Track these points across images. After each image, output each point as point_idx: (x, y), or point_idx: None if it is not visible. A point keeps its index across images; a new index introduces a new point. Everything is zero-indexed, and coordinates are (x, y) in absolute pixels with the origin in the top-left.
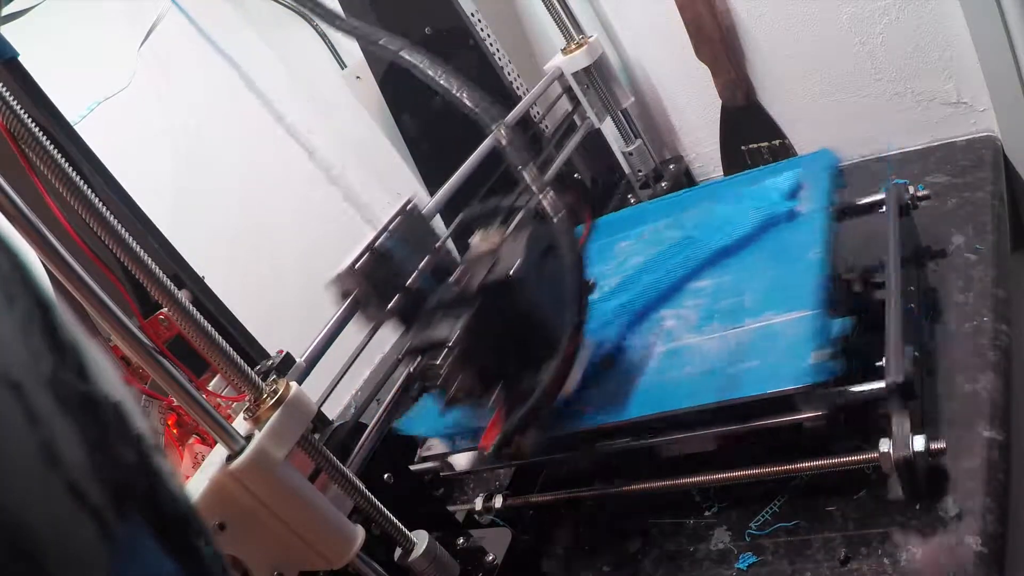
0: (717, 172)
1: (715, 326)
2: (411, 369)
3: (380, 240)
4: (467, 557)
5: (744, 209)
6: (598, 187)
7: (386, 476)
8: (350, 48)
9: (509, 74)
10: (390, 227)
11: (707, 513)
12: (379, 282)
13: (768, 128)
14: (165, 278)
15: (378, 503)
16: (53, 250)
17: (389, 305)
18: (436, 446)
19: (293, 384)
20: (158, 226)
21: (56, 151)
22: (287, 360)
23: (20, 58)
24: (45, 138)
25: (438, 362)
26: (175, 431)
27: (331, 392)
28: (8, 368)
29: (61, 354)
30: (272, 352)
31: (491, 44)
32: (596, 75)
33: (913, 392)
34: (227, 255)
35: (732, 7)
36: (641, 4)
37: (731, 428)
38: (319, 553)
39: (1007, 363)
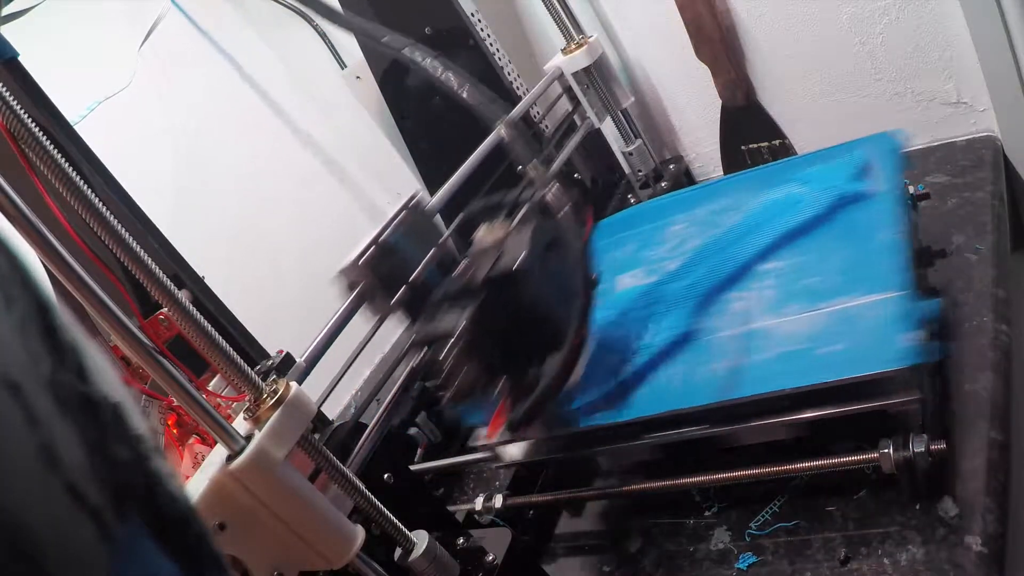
0: (717, 172)
1: (793, 308)
2: (414, 364)
3: (385, 234)
4: (467, 557)
5: (812, 189)
6: (598, 187)
7: (386, 476)
8: (350, 48)
9: (509, 74)
10: (395, 222)
11: (707, 513)
12: (385, 275)
13: (768, 128)
14: (165, 278)
15: (378, 503)
16: (53, 250)
17: (394, 298)
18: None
19: (293, 384)
20: (158, 226)
21: (56, 151)
22: (287, 360)
23: (20, 58)
24: (45, 138)
25: (441, 358)
26: (175, 431)
27: (331, 392)
28: (7, 369)
29: (60, 355)
30: (272, 352)
31: (491, 44)
32: (596, 75)
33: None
34: (227, 255)
35: (732, 7)
36: (641, 4)
37: (818, 414)
38: (319, 553)
39: (1007, 363)
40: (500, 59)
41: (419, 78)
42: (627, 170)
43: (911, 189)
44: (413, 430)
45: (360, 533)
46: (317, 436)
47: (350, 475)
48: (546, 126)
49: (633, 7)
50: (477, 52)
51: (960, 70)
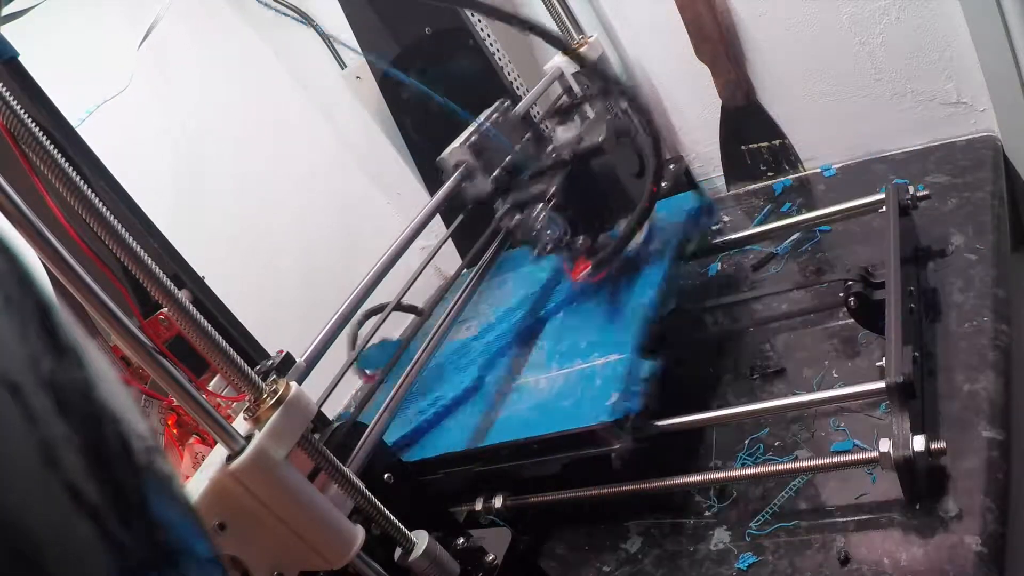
0: (717, 172)
1: (552, 366)
2: (510, 224)
3: (483, 126)
4: (467, 557)
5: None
6: None
7: (386, 476)
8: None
9: (509, 74)
10: (490, 118)
11: (707, 513)
12: (484, 158)
13: (768, 128)
14: (165, 278)
15: (378, 503)
16: (53, 250)
17: (492, 176)
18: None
19: (293, 384)
20: (158, 226)
21: (56, 151)
22: (287, 360)
23: (20, 58)
24: (45, 138)
25: (535, 214)
26: (175, 431)
27: (331, 392)
28: (7, 369)
29: (60, 355)
30: (272, 352)
31: (491, 44)
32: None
33: (913, 392)
34: (227, 255)
35: (732, 7)
36: (641, 4)
37: (556, 456)
38: (319, 553)
39: (1007, 363)
40: (500, 59)
41: (419, 78)
42: None
43: (911, 189)
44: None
45: (360, 533)
46: (317, 436)
47: (350, 475)
48: (546, 126)
49: (633, 7)
50: (477, 52)
51: (960, 70)
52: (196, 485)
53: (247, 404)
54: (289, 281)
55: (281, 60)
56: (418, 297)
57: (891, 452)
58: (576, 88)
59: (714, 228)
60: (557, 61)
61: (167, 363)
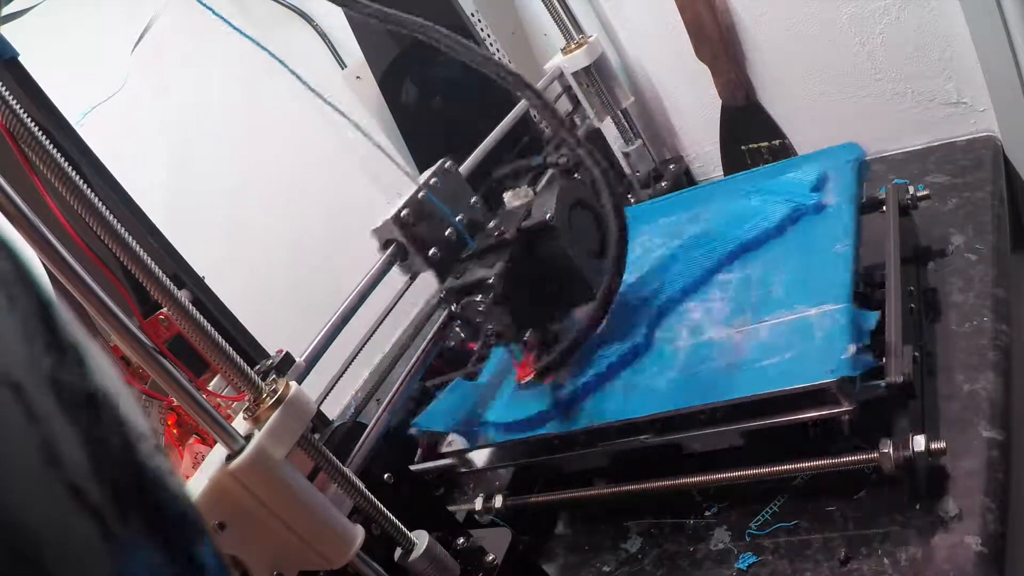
0: (717, 172)
1: (743, 319)
2: (453, 308)
3: (418, 195)
4: (467, 557)
5: (770, 201)
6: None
7: (386, 476)
8: (350, 48)
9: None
10: (428, 183)
11: (707, 513)
12: (419, 233)
13: (768, 128)
14: (165, 278)
15: (378, 503)
16: (53, 250)
17: (429, 253)
18: (456, 443)
19: (293, 384)
20: (158, 226)
21: (56, 151)
22: (287, 360)
23: (20, 58)
24: (45, 138)
25: (478, 299)
26: (175, 431)
27: (331, 392)
28: (8, 368)
29: (61, 354)
30: (272, 352)
31: (491, 44)
32: (596, 75)
33: (913, 392)
34: (227, 255)
35: (732, 7)
36: (641, 4)
37: (762, 423)
38: (319, 553)
39: (1007, 363)
40: (500, 59)
41: (419, 77)
42: (627, 170)
43: (911, 189)
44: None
45: (360, 533)
46: (317, 436)
47: (350, 475)
48: (546, 126)
49: (633, 7)
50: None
51: (960, 70)
52: (196, 485)
53: (247, 404)
54: (289, 281)
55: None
56: (418, 297)
57: (891, 452)
58: (576, 88)
59: None
60: (557, 61)
61: (167, 363)
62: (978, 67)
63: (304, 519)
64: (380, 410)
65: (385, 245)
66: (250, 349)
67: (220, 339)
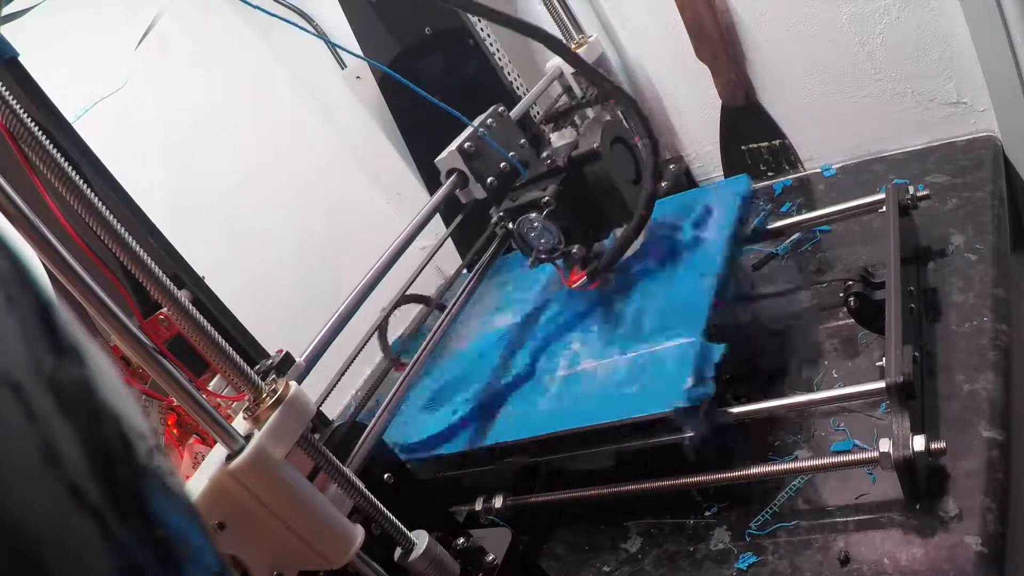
0: (717, 172)
1: (611, 351)
2: (509, 226)
3: (477, 132)
4: (467, 557)
5: (653, 235)
6: None
7: (386, 476)
8: (350, 48)
9: (509, 74)
10: (484, 123)
11: (707, 513)
12: (479, 164)
13: (768, 128)
14: (165, 278)
15: (378, 503)
16: (53, 250)
17: (486, 183)
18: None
19: (293, 384)
20: (158, 226)
21: (56, 151)
22: (287, 360)
23: (20, 58)
24: (45, 138)
25: (533, 216)
26: (175, 431)
27: (331, 392)
28: (8, 368)
29: (61, 354)
30: (272, 352)
31: (491, 44)
32: None
33: (913, 392)
34: (227, 255)
35: (732, 7)
36: (641, 4)
37: (617, 446)
38: (319, 553)
39: (1007, 363)
40: (500, 59)
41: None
42: None
43: (911, 189)
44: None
45: (360, 533)
46: (317, 436)
47: (350, 475)
48: (543, 130)
49: (633, 7)
50: (477, 52)
51: (960, 70)
52: (196, 485)
53: (247, 404)
54: (289, 281)
55: (281, 60)
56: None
57: (891, 452)
58: (576, 88)
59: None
60: (557, 61)
61: (167, 363)
62: (978, 67)
63: (304, 519)
64: (380, 410)
65: (448, 175)
66: (250, 349)
67: (220, 339)
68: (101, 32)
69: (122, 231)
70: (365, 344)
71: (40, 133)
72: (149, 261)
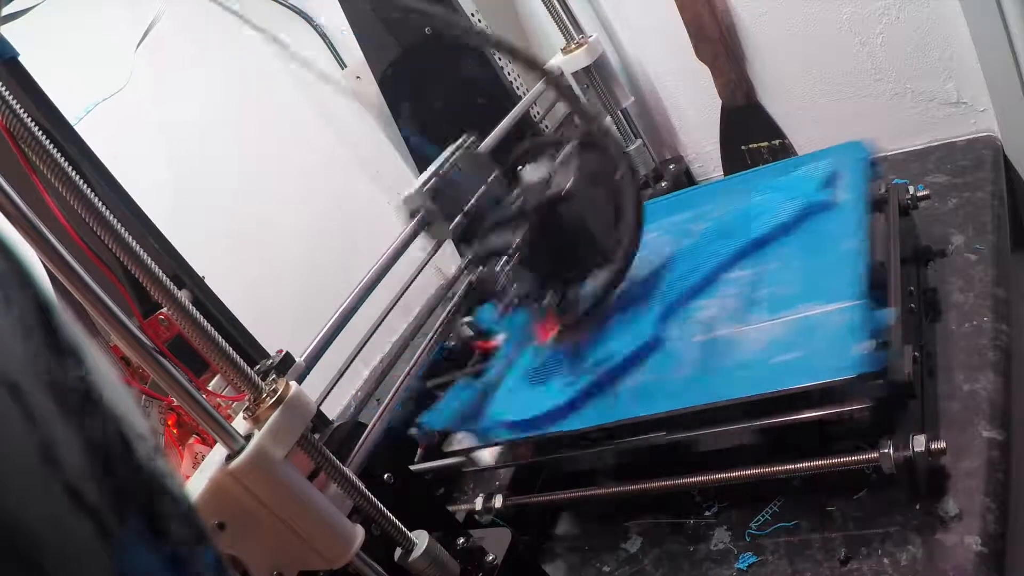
0: (717, 172)
1: (754, 317)
2: (472, 279)
3: (443, 168)
4: (467, 557)
5: (779, 199)
6: None
7: (386, 476)
8: (350, 48)
9: (509, 74)
10: (452, 157)
11: (707, 513)
12: (444, 203)
13: (768, 128)
14: (165, 278)
15: (378, 503)
16: (53, 250)
17: (452, 224)
18: (463, 440)
19: (293, 384)
20: (158, 226)
21: (56, 151)
22: (287, 360)
23: (20, 58)
24: (45, 138)
25: (498, 268)
26: (175, 431)
27: (331, 392)
28: (7, 369)
29: (60, 355)
30: (272, 352)
31: None
32: (596, 75)
33: (913, 392)
34: (227, 255)
35: (732, 7)
36: (641, 4)
37: (773, 421)
38: (319, 553)
39: (1007, 363)
40: (500, 59)
41: (419, 77)
42: None
43: (911, 189)
44: (413, 430)
45: (360, 533)
46: (317, 436)
47: (350, 475)
48: (546, 126)
49: (633, 7)
50: (477, 52)
51: (960, 70)
52: (195, 485)
53: (247, 404)
54: (289, 281)
55: (281, 60)
56: (418, 297)
57: (891, 452)
58: (577, 89)
59: None
60: (557, 61)
61: (167, 363)
62: (978, 67)
63: (304, 519)
64: (380, 410)
65: (412, 214)
66: (250, 349)
67: (220, 339)
68: (101, 32)
69: (122, 231)
70: (365, 344)
71: (40, 133)
72: (149, 261)
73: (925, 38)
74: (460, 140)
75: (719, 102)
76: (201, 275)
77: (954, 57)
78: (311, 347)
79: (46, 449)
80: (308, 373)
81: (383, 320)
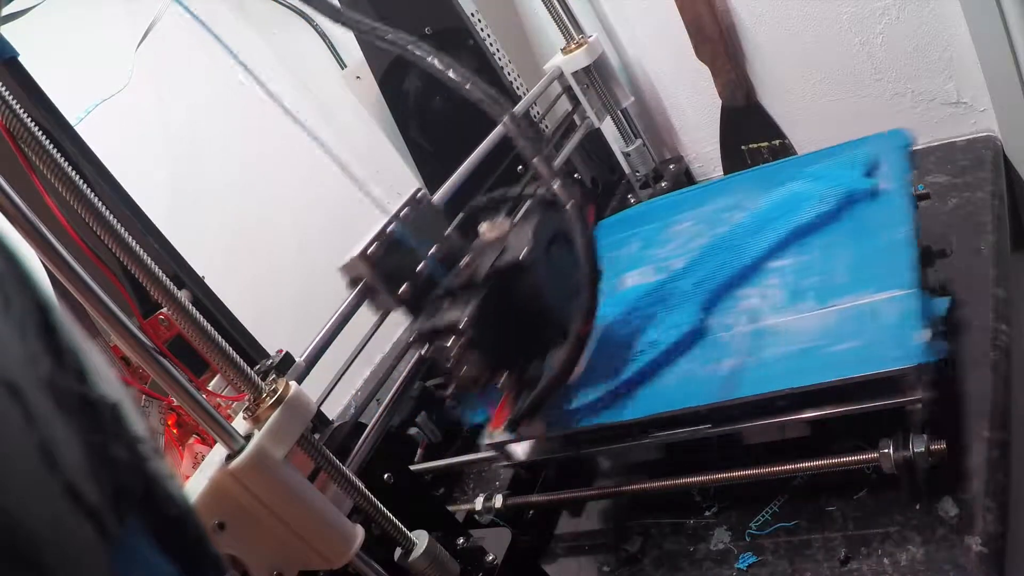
0: (717, 172)
1: (800, 305)
2: (421, 353)
3: (389, 228)
4: (467, 557)
5: (819, 187)
6: (598, 187)
7: (386, 476)
8: (350, 48)
9: (509, 74)
10: (399, 216)
11: (707, 513)
12: (389, 269)
13: (768, 128)
14: (165, 278)
15: (378, 503)
16: (53, 250)
17: (398, 293)
18: (498, 434)
19: (293, 384)
20: (158, 226)
21: (56, 151)
22: (287, 360)
23: (20, 58)
24: (45, 138)
25: (448, 345)
26: (175, 431)
27: (331, 392)
28: (6, 369)
29: (59, 356)
30: (272, 352)
31: (491, 44)
32: (596, 75)
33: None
34: (227, 255)
35: (732, 7)
36: (641, 4)
37: (822, 413)
38: (319, 553)
39: (1007, 363)
40: (500, 59)
41: (419, 78)
42: (627, 170)
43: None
44: (413, 430)
45: (360, 533)
46: (317, 436)
47: (350, 475)
48: (546, 126)
49: (633, 7)
50: (477, 52)
51: (960, 70)
52: (195, 485)
53: (247, 404)
54: (289, 281)
55: (281, 60)
56: None
57: (891, 452)
58: (576, 89)
59: None
60: (557, 61)
61: (167, 363)
62: (978, 67)
63: (304, 519)
64: (380, 410)
65: (353, 283)
66: (250, 349)
67: (220, 339)
68: (101, 32)
69: (122, 231)
70: (365, 344)
71: (40, 133)
72: (149, 261)
73: (925, 38)
74: (409, 195)
75: (719, 102)
76: (201, 275)
77: (954, 57)
78: (311, 347)
79: (45, 450)
80: (308, 373)
81: (383, 320)
